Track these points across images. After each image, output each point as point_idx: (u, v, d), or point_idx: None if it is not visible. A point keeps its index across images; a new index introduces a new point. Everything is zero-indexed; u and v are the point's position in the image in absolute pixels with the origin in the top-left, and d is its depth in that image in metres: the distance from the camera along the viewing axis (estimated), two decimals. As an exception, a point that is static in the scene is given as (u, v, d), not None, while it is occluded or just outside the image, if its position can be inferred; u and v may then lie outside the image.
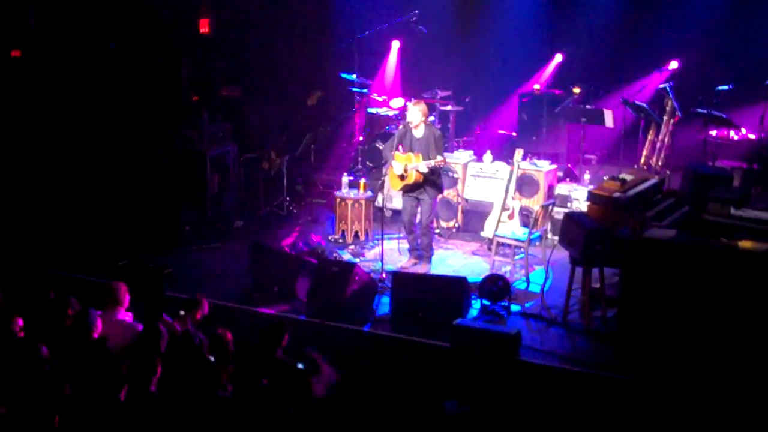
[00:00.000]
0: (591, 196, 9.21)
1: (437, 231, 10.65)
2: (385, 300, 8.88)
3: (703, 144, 11.69)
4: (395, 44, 13.23)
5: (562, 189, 10.66)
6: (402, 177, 9.38)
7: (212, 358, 6.41)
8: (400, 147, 9.41)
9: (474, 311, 8.74)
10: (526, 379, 7.54)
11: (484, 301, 8.77)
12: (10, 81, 12.37)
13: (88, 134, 12.20)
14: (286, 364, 6.39)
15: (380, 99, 12.74)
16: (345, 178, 10.91)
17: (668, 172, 11.71)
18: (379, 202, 10.59)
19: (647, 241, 8.00)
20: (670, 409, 7.01)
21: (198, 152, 11.38)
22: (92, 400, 5.60)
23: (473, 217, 10.74)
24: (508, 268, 9.65)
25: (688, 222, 8.96)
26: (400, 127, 9.72)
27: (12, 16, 12.53)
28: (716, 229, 8.58)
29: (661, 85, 12.26)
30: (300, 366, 6.15)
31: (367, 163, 11.83)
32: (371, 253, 10.15)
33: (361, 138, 12.25)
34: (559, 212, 9.92)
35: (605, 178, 10.09)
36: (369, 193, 10.62)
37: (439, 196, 9.97)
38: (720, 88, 11.86)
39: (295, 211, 11.53)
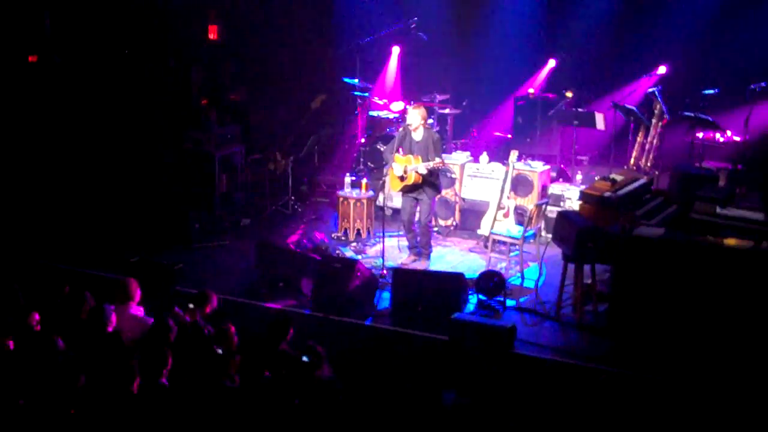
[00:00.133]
0: (583, 196, 9.20)
1: (436, 229, 10.64)
2: (386, 295, 8.87)
3: (690, 146, 11.69)
4: (395, 50, 13.22)
5: (555, 189, 10.65)
6: (402, 178, 9.37)
7: (220, 351, 6.41)
8: (400, 149, 9.40)
9: (471, 306, 8.73)
10: (521, 370, 7.54)
11: (481, 296, 8.76)
12: (27, 85, 12.37)
13: (102, 136, 12.20)
14: (291, 357, 6.39)
15: (381, 102, 12.74)
16: (347, 178, 10.90)
17: (657, 173, 11.71)
18: (380, 201, 10.58)
19: (637, 239, 7.99)
20: (658, 399, 7.00)
21: (207, 153, 11.38)
22: (106, 391, 5.60)
23: (470, 215, 10.73)
24: (504, 264, 9.63)
25: (675, 220, 8.97)
26: (400, 129, 9.70)
27: (29, 23, 12.53)
28: (702, 227, 8.59)
29: (650, 89, 12.27)
30: (305, 359, 6.13)
31: (369, 163, 11.83)
32: (372, 250, 10.13)
33: (362, 140, 12.25)
34: (552, 211, 9.91)
35: (596, 178, 10.09)
36: (370, 193, 10.60)
37: (438, 196, 9.96)
38: (706, 92, 11.86)
39: (299, 210, 11.52)
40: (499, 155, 11.46)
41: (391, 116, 12.31)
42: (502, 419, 6.64)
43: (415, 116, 9.34)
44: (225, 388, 5.97)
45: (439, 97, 12.33)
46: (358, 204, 10.50)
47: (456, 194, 10.85)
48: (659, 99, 11.98)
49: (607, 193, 8.91)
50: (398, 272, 8.87)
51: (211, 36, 13.79)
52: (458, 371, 7.56)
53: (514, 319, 8.36)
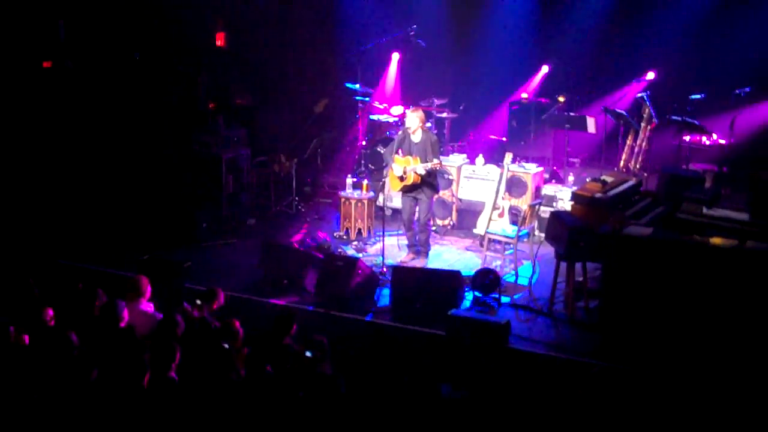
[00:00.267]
0: (574, 197, 9.20)
1: (434, 228, 10.64)
2: (386, 292, 8.87)
3: (677, 148, 11.69)
4: (395, 56, 13.21)
5: (548, 190, 10.65)
6: (401, 178, 9.37)
7: (226, 345, 6.40)
8: (400, 151, 9.41)
9: (467, 302, 8.73)
10: (515, 364, 7.54)
11: (477, 293, 8.76)
12: (42, 89, 12.37)
13: (113, 139, 12.19)
14: (294, 351, 6.38)
15: (381, 107, 12.73)
16: (349, 180, 10.90)
17: (645, 175, 11.69)
18: (380, 201, 10.57)
19: (626, 238, 7.99)
20: (647, 392, 7.00)
21: (214, 156, 11.36)
22: (117, 384, 5.60)
23: (467, 215, 10.73)
24: (499, 262, 9.64)
25: (663, 220, 8.96)
26: (400, 132, 9.71)
27: (44, 30, 12.53)
28: (689, 226, 8.59)
29: (639, 94, 12.25)
30: (308, 354, 6.12)
31: (370, 165, 11.82)
32: (373, 249, 10.13)
33: (363, 142, 12.24)
34: (545, 211, 9.91)
35: (588, 179, 10.09)
36: (371, 194, 10.60)
37: (436, 196, 9.97)
38: (693, 97, 11.85)
39: (303, 210, 11.52)
40: (495, 157, 11.46)
41: (391, 120, 12.30)
42: (497, 411, 6.63)
43: (414, 119, 9.34)
44: (231, 381, 5.97)
45: (437, 102, 12.32)
46: (359, 204, 10.50)
47: (453, 195, 10.85)
48: (648, 103, 11.97)
49: (598, 194, 8.90)
50: (398, 270, 8.87)
51: (218, 43, 13.80)
52: (455, 365, 7.55)
53: (508, 315, 8.36)
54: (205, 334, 6.52)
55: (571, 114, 12.00)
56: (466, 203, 10.81)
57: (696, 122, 11.38)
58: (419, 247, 9.71)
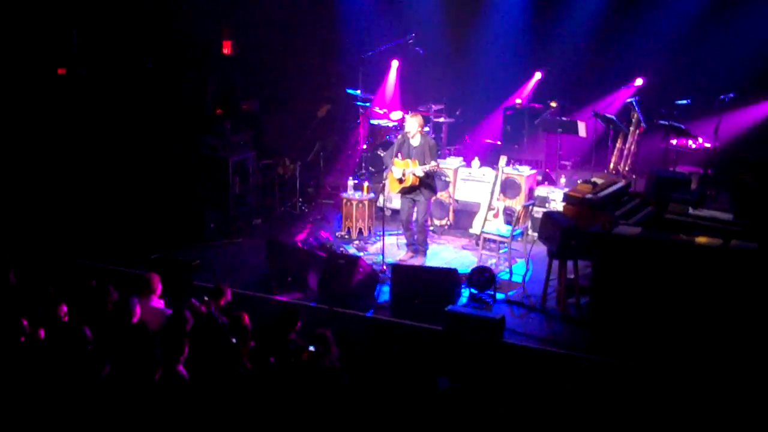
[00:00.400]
0: (566, 198, 9.20)
1: (431, 228, 10.64)
2: (386, 289, 8.87)
3: (664, 152, 11.69)
4: (394, 63, 13.21)
5: (541, 191, 10.64)
6: (400, 180, 9.37)
7: (234, 340, 6.40)
8: (399, 154, 9.41)
9: (463, 299, 8.73)
10: (510, 358, 7.54)
11: (473, 290, 8.76)
12: (57, 95, 12.38)
13: (125, 142, 12.20)
14: (298, 345, 6.39)
15: (381, 111, 12.72)
16: (350, 182, 10.90)
17: (634, 177, 11.69)
18: (380, 202, 10.58)
19: (616, 237, 7.99)
20: (635, 385, 7.01)
21: (221, 158, 11.36)
22: (129, 378, 5.60)
23: (463, 215, 10.72)
24: (494, 260, 9.64)
25: (651, 220, 8.96)
26: (399, 136, 9.71)
27: (58, 39, 12.55)
28: (676, 226, 8.59)
29: (628, 100, 12.24)
30: (312, 348, 6.13)
31: (370, 168, 11.82)
32: (373, 248, 10.13)
33: (364, 146, 12.23)
34: (538, 212, 9.91)
35: (579, 181, 10.08)
36: (371, 195, 10.60)
37: (433, 198, 9.96)
38: (679, 102, 11.84)
39: (306, 210, 11.52)
40: (490, 160, 11.45)
41: (391, 124, 12.29)
42: (492, 403, 6.64)
43: (413, 124, 9.35)
44: (237, 373, 5.98)
45: (434, 107, 12.32)
46: (360, 205, 10.50)
47: (450, 196, 10.85)
48: (636, 109, 11.97)
49: (589, 195, 8.91)
50: (397, 268, 8.88)
51: (225, 51, 13.80)
52: (452, 359, 7.56)
53: (503, 311, 8.36)
54: (212, 329, 6.52)
55: (563, 119, 11.99)
56: (463, 204, 10.81)
57: (682, 126, 11.37)
58: (417, 246, 9.70)
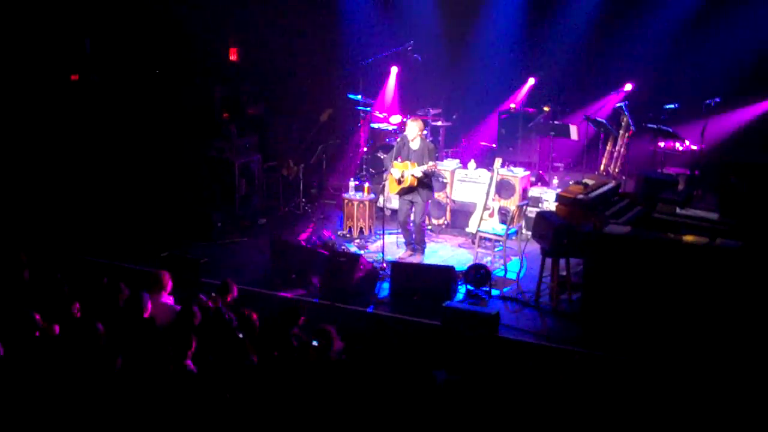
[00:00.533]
0: (559, 198, 9.20)
1: (429, 227, 10.64)
2: (386, 285, 8.88)
3: (653, 154, 11.68)
4: (394, 69, 13.19)
5: (534, 192, 10.65)
6: (399, 181, 9.37)
7: (241, 335, 6.40)
8: (399, 157, 9.41)
9: (460, 295, 8.74)
10: (504, 352, 7.54)
11: (469, 287, 8.76)
12: (71, 100, 12.38)
13: (135, 145, 12.20)
14: (301, 339, 6.39)
15: (381, 116, 12.72)
16: (352, 183, 10.90)
17: (624, 178, 11.69)
18: (380, 203, 10.58)
19: (606, 236, 8.00)
20: (625, 377, 7.01)
21: (228, 161, 11.37)
22: (140, 371, 5.60)
23: (460, 215, 10.72)
24: (489, 258, 9.64)
25: (640, 219, 8.97)
26: (398, 140, 9.71)
27: (71, 45, 12.55)
28: (664, 225, 8.60)
29: (618, 104, 12.24)
30: (315, 342, 6.13)
31: (370, 170, 11.82)
32: (373, 246, 10.13)
33: (365, 149, 12.23)
34: (532, 211, 9.91)
35: (570, 182, 10.08)
36: (372, 196, 10.60)
37: (431, 198, 9.96)
38: (667, 106, 11.83)
39: (309, 210, 11.51)
40: (485, 162, 11.46)
41: (390, 128, 12.29)
42: (488, 395, 6.64)
43: (414, 128, 9.36)
44: (244, 366, 5.98)
45: (432, 111, 12.31)
46: (361, 205, 10.50)
47: (447, 196, 10.85)
48: (626, 113, 11.97)
49: (580, 196, 8.91)
50: (396, 265, 8.88)
51: (232, 57, 13.80)
52: (449, 352, 7.56)
53: (498, 306, 8.37)
54: (219, 324, 6.53)
55: (556, 122, 12.00)
56: (459, 204, 10.81)
57: (670, 130, 11.37)
58: (416, 245, 9.71)
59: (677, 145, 11.83)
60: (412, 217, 9.65)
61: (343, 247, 9.93)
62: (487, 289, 8.70)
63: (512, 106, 13.06)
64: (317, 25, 13.74)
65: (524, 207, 9.78)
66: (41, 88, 12.15)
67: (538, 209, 9.97)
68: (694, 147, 11.67)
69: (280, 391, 5.72)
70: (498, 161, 9.95)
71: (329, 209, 11.61)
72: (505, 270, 9.29)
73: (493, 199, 9.81)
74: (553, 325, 8.16)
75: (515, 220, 9.47)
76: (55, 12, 12.23)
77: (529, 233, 9.39)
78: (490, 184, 9.85)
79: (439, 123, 12.46)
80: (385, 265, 9.23)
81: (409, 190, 9.38)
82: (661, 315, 7.61)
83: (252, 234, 10.67)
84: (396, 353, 7.40)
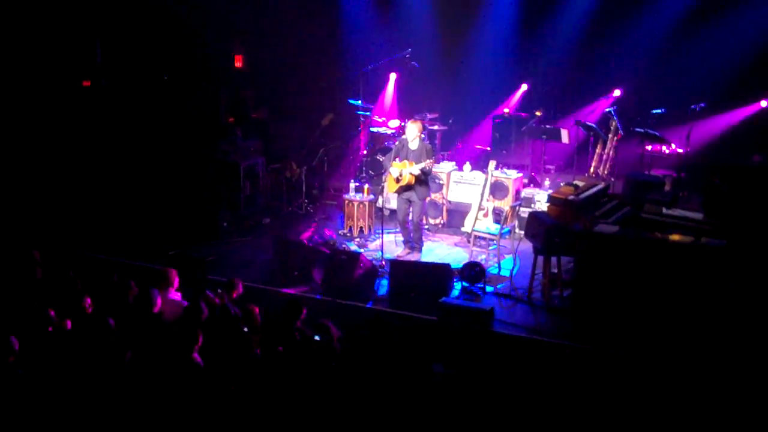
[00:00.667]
0: (550, 199, 9.20)
1: (426, 227, 10.64)
2: (384, 282, 8.86)
3: (640, 156, 11.68)
4: (392, 76, 13.20)
5: (527, 193, 10.64)
6: (397, 180, 9.38)
7: (245, 329, 6.40)
8: (397, 159, 9.42)
9: (456, 291, 8.73)
10: (498, 346, 7.54)
11: (464, 283, 8.76)
12: (82, 105, 12.38)
13: (144, 148, 12.20)
14: (304, 334, 6.39)
15: (380, 120, 12.72)
16: (352, 184, 10.90)
17: (613, 179, 11.70)
18: (379, 203, 10.57)
19: (596, 235, 8.01)
20: (614, 370, 7.01)
21: (233, 163, 11.36)
22: (149, 364, 5.60)
23: (455, 215, 10.72)
24: (484, 256, 9.63)
25: (628, 219, 8.97)
26: (397, 142, 9.72)
27: (82, 52, 12.56)
28: (651, 225, 8.60)
29: (607, 109, 12.26)
30: (317, 337, 6.13)
31: (370, 171, 11.82)
32: (373, 245, 10.13)
33: (365, 152, 12.23)
34: (524, 212, 9.92)
35: (562, 184, 10.07)
36: (371, 196, 10.59)
37: (428, 198, 9.96)
38: (654, 111, 11.86)
39: (311, 210, 11.51)
40: (480, 164, 11.45)
41: (389, 132, 12.29)
42: (483, 387, 6.64)
43: (413, 129, 9.39)
44: (248, 360, 5.98)
45: (429, 116, 12.31)
46: (361, 206, 10.50)
47: (443, 197, 10.85)
48: (615, 117, 11.98)
49: (571, 197, 8.91)
50: (395, 263, 8.88)
51: (237, 64, 13.81)
52: (445, 347, 7.56)
53: (492, 302, 8.36)
54: (225, 319, 6.53)
55: (547, 126, 11.99)
56: (455, 204, 10.80)
57: (657, 133, 11.38)
58: (413, 243, 9.71)
59: (664, 148, 11.85)
60: (410, 216, 9.65)
61: (343, 246, 9.91)
62: (482, 285, 8.70)
63: (506, 111, 13.07)
64: (319, 34, 13.75)
65: (517, 207, 9.78)
66: (55, 93, 12.17)
67: (530, 209, 9.97)
68: (680, 150, 11.68)
69: (284, 383, 5.72)
70: (492, 163, 9.95)
71: (330, 209, 11.61)
72: (499, 268, 9.29)
73: (488, 200, 9.81)
74: (545, 320, 8.15)
75: (509, 219, 9.47)
76: (68, 22, 12.24)
77: (522, 232, 9.39)
78: (484, 186, 9.85)
79: (436, 127, 12.46)
80: (384, 262, 9.22)
81: (407, 188, 9.39)
82: (648, 310, 7.61)
83: (256, 233, 10.66)
84: (394, 347, 7.41)
